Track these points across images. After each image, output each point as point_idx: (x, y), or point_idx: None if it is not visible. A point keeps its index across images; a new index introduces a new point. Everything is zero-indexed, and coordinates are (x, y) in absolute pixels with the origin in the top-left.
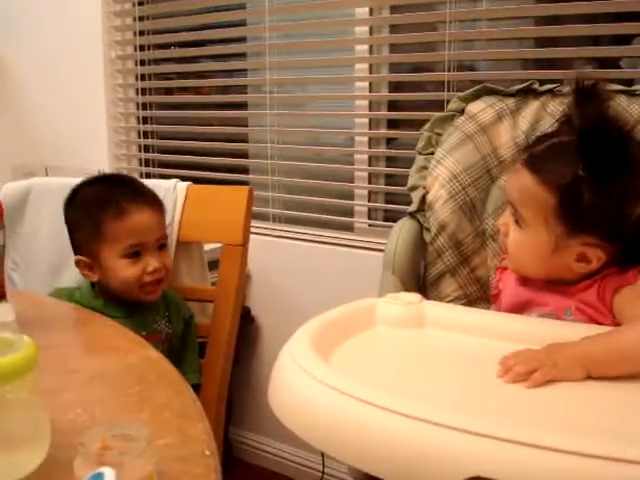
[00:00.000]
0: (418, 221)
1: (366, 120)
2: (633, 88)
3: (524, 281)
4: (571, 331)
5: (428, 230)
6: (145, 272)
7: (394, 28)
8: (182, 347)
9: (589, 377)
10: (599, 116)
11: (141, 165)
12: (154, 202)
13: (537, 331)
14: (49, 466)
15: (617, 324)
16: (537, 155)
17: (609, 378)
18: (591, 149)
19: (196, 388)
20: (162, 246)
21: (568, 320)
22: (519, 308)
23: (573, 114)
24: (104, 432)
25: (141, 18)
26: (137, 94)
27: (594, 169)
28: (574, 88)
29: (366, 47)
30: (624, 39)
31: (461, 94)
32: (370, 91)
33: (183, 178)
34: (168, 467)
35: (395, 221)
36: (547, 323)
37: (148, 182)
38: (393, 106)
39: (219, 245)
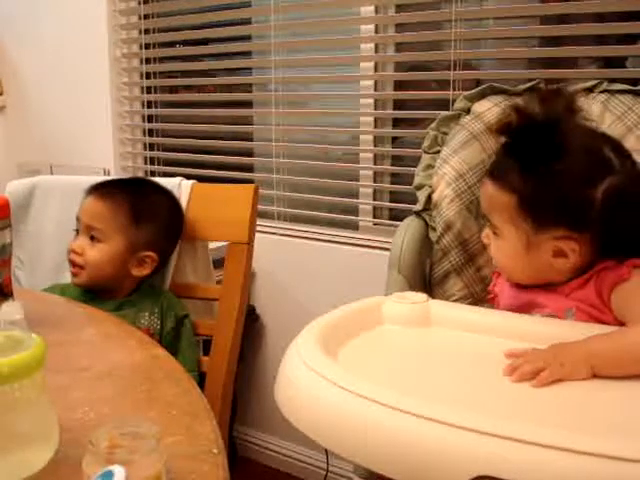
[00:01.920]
0: (424, 220)
1: (371, 119)
2: (638, 88)
3: (519, 285)
4: (576, 330)
5: (434, 229)
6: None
7: (400, 27)
8: (176, 346)
9: (595, 376)
10: (524, 113)
11: (146, 163)
12: (114, 197)
13: (543, 330)
14: (58, 464)
15: (619, 321)
16: (494, 164)
17: (615, 377)
18: (516, 145)
19: None
20: (92, 238)
21: (570, 320)
22: (517, 311)
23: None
24: (113, 430)
25: (146, 16)
26: (142, 92)
27: (525, 163)
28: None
29: (371, 46)
30: (630, 38)
31: (467, 93)
32: (375, 90)
33: (188, 176)
34: (176, 465)
35: (400, 220)
36: (553, 322)
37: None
38: (398, 105)
39: (224, 243)
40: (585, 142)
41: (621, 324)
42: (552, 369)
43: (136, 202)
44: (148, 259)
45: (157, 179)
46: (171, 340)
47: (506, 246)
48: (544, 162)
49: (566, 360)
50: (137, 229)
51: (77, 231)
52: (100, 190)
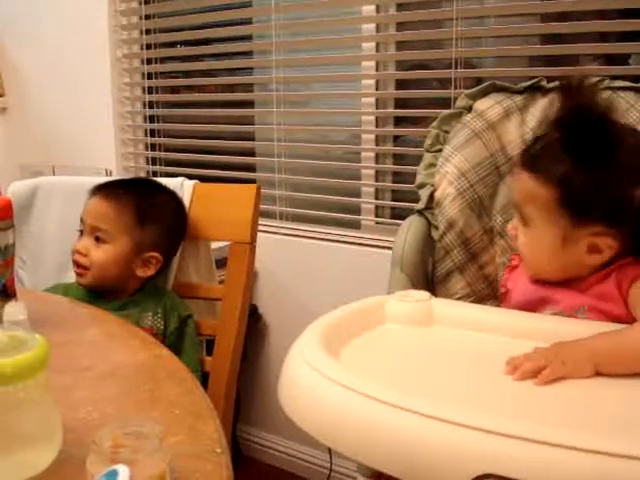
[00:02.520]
0: (426, 218)
1: (373, 118)
2: None
3: (536, 280)
4: (580, 328)
5: (436, 228)
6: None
7: (401, 25)
8: (180, 346)
9: (597, 374)
10: (577, 108)
11: (148, 164)
12: (119, 197)
13: (546, 328)
14: (61, 464)
15: (632, 316)
16: (531, 156)
17: (618, 375)
18: (573, 140)
19: None
20: (97, 239)
21: (581, 317)
22: (530, 307)
23: (555, 111)
24: (116, 430)
25: (147, 17)
26: (144, 93)
27: (580, 158)
28: (558, 87)
29: (373, 45)
30: (632, 36)
31: (469, 91)
32: (377, 89)
33: (190, 176)
34: (179, 464)
35: (402, 219)
36: (556, 320)
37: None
38: (400, 104)
39: (227, 243)
40: (633, 140)
41: (634, 320)
42: (554, 367)
43: (141, 202)
44: (153, 260)
45: (159, 179)
46: (174, 340)
47: (539, 239)
48: (598, 158)
49: (568, 358)
50: (142, 230)
51: (81, 232)
52: (104, 191)
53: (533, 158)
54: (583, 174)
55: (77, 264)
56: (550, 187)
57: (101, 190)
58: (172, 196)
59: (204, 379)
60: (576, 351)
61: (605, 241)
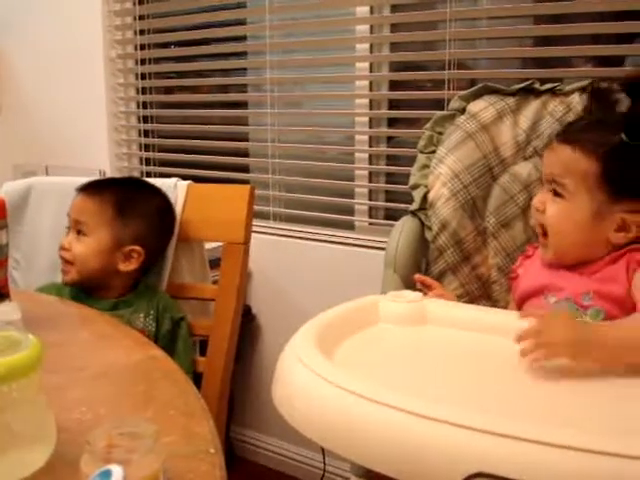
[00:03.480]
0: (419, 219)
1: (366, 119)
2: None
3: (547, 265)
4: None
5: (429, 228)
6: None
7: (394, 27)
8: (172, 348)
9: (595, 374)
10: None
11: (142, 164)
12: (101, 193)
13: None
14: (55, 464)
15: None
16: (575, 130)
17: (616, 375)
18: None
19: None
20: (79, 232)
21: (586, 303)
22: (534, 293)
23: (617, 99)
24: (110, 430)
25: (141, 17)
26: (137, 93)
27: (632, 136)
28: (623, 82)
29: (367, 46)
30: (627, 38)
31: (462, 93)
32: (370, 90)
33: (184, 177)
34: (173, 465)
35: (396, 219)
36: None
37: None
38: (393, 105)
39: (220, 244)
40: None
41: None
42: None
43: (122, 197)
44: (134, 253)
45: (153, 179)
46: (167, 342)
47: (570, 211)
48: None
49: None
50: (122, 223)
51: (69, 228)
52: (89, 188)
53: (578, 132)
54: (630, 151)
55: (62, 260)
56: (594, 160)
57: (86, 188)
58: (156, 194)
59: (197, 380)
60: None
61: (636, 219)
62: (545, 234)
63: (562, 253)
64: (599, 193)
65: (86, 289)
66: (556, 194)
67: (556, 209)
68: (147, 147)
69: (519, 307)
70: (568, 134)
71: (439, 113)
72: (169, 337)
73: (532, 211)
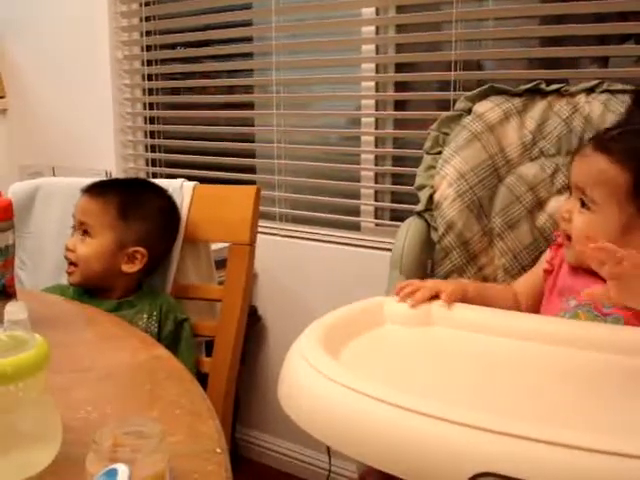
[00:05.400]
0: (425, 220)
1: (372, 120)
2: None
3: (571, 267)
4: (583, 331)
5: (435, 229)
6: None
7: (400, 28)
8: (175, 349)
9: (600, 374)
10: None
11: (148, 165)
12: (105, 194)
13: (544, 330)
14: (61, 463)
15: None
16: (610, 139)
17: (622, 374)
18: None
19: None
20: (84, 233)
21: (607, 311)
22: (560, 293)
23: None
24: (116, 429)
25: (148, 18)
26: (144, 94)
27: None
28: None
29: (372, 47)
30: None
31: (468, 94)
32: (376, 91)
33: (190, 178)
34: (179, 464)
35: (401, 220)
36: (556, 322)
37: (155, 182)
38: (399, 106)
39: (226, 244)
40: None
41: None
42: None
43: (125, 199)
44: (138, 255)
45: (159, 180)
46: (169, 343)
47: (598, 222)
48: None
49: None
50: (126, 225)
51: (74, 229)
52: (93, 189)
53: (611, 142)
54: None
55: (67, 261)
56: (627, 172)
57: (91, 189)
58: (161, 195)
59: (203, 380)
60: None
61: None
62: (569, 238)
63: (583, 260)
64: (629, 206)
65: (89, 290)
66: (583, 204)
67: (583, 221)
68: (153, 148)
69: (541, 303)
70: (603, 141)
71: (445, 114)
72: (171, 338)
73: (557, 218)
